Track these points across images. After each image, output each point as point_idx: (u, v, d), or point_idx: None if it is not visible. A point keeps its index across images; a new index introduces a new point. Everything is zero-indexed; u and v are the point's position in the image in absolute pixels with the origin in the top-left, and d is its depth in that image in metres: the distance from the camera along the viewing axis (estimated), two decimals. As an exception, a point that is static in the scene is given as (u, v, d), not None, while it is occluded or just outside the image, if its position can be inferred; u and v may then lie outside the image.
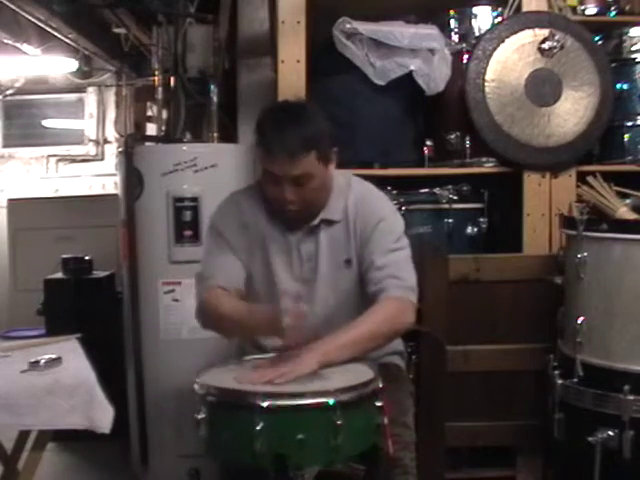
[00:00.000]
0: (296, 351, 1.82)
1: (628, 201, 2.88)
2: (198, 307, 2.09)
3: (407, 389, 2.20)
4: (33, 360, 2.20)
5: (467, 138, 3.04)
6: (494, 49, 2.97)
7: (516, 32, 2.97)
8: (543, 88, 2.96)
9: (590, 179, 2.95)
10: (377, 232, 2.05)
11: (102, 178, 6.49)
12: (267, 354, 2.00)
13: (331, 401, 1.63)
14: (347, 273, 2.09)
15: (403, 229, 2.12)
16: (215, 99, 3.62)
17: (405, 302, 1.98)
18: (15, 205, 5.31)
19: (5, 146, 6.78)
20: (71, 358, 2.34)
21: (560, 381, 2.50)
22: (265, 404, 1.60)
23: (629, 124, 3.02)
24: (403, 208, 2.98)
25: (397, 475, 1.92)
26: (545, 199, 3.04)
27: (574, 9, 3.11)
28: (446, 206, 3.04)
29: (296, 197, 1.98)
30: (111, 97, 6.72)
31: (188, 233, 3.10)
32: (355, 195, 2.12)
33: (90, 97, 6.76)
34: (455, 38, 3.17)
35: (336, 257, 2.09)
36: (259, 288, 2.12)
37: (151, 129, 5.78)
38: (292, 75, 2.97)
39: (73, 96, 6.80)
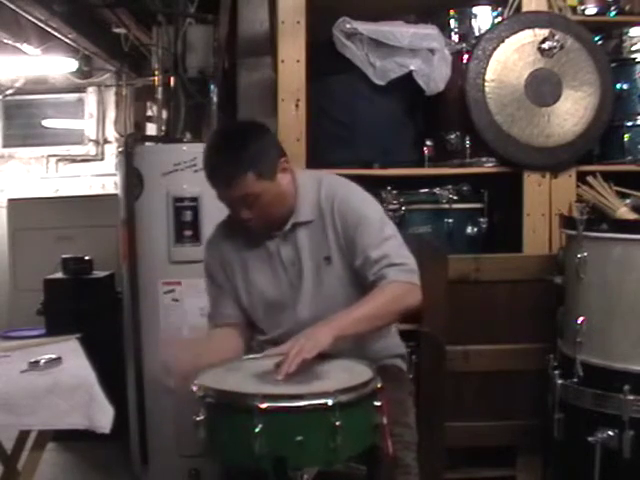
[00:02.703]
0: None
1: (628, 201, 2.88)
2: None
3: (407, 389, 2.20)
4: (33, 360, 2.20)
5: (467, 138, 3.04)
6: (494, 49, 2.97)
7: (516, 32, 2.97)
8: (543, 88, 2.96)
9: (590, 179, 2.95)
10: (361, 226, 2.05)
11: (102, 178, 6.50)
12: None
13: (330, 402, 1.62)
14: (329, 270, 2.09)
15: (384, 214, 2.14)
16: (215, 99, 3.62)
17: (408, 284, 1.99)
18: (15, 205, 5.31)
19: (5, 146, 6.79)
20: (71, 358, 2.34)
21: (560, 381, 2.50)
22: (264, 406, 1.60)
23: (629, 124, 3.02)
24: (403, 208, 2.98)
25: (399, 475, 1.92)
26: (545, 199, 3.04)
27: (574, 9, 3.11)
28: (446, 206, 3.04)
29: (252, 214, 2.02)
30: (111, 97, 6.73)
31: (188, 233, 3.11)
32: (326, 190, 2.12)
33: (90, 97, 6.77)
34: (455, 38, 3.17)
35: (316, 256, 2.10)
36: (252, 308, 2.16)
37: (151, 129, 5.79)
38: (292, 75, 2.97)
39: (73, 96, 6.81)
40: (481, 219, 3.07)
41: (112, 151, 6.59)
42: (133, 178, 3.17)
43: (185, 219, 3.11)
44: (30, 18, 4.09)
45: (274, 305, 2.12)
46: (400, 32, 2.97)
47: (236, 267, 2.16)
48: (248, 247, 2.15)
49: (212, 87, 3.65)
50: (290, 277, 2.11)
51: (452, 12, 3.19)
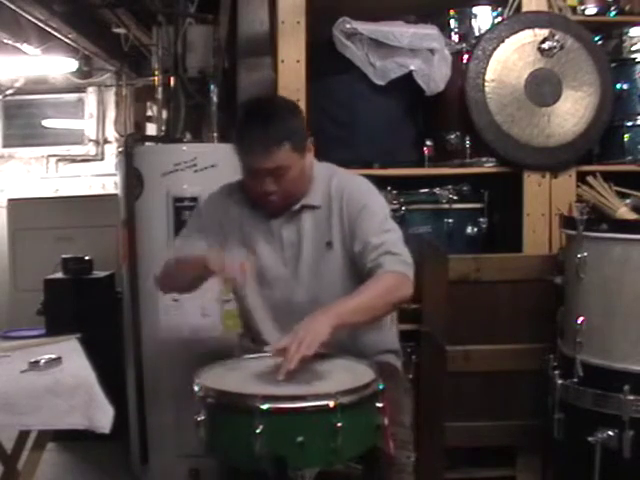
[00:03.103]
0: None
1: (628, 201, 2.88)
2: (159, 272, 2.23)
3: (403, 387, 2.20)
4: (33, 360, 2.20)
5: (467, 138, 3.04)
6: (494, 49, 2.97)
7: (516, 32, 2.97)
8: (543, 88, 2.96)
9: (590, 179, 2.95)
10: (365, 215, 2.09)
11: (102, 178, 6.50)
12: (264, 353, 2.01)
13: (332, 404, 1.62)
14: (329, 255, 2.12)
15: (389, 212, 2.19)
16: (215, 99, 3.62)
17: (403, 275, 2.01)
18: (15, 205, 5.30)
19: (5, 146, 6.79)
20: (71, 358, 2.34)
21: (560, 381, 2.50)
22: (265, 407, 1.60)
23: (629, 124, 3.02)
24: (403, 208, 2.98)
25: (393, 474, 1.92)
26: (545, 199, 3.04)
27: (574, 9, 3.11)
28: (446, 206, 3.04)
29: (276, 188, 2.04)
30: (111, 97, 6.73)
31: (188, 233, 3.10)
32: (338, 180, 2.17)
33: (90, 97, 6.77)
34: (455, 38, 3.17)
35: (318, 241, 2.13)
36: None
37: (151, 129, 5.79)
38: (292, 75, 2.97)
39: (73, 96, 6.81)
40: (481, 219, 3.07)
41: (112, 151, 6.58)
42: (133, 178, 3.17)
43: (185, 219, 3.10)
44: (30, 18, 4.09)
45: (265, 278, 2.12)
46: (400, 32, 2.98)
47: (234, 225, 2.18)
48: (250, 217, 2.18)
49: (212, 87, 3.64)
50: (286, 257, 2.13)
51: (452, 12, 3.19)
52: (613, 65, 3.03)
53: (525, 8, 3.05)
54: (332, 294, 2.05)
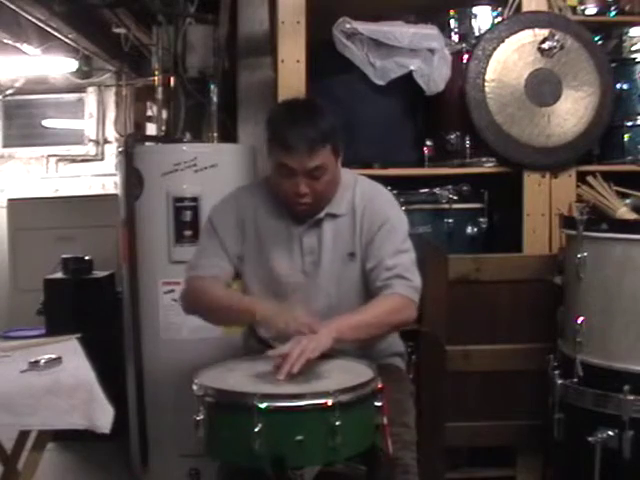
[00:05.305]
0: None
1: (628, 201, 2.88)
2: (182, 292, 2.18)
3: (407, 390, 2.21)
4: (33, 360, 2.20)
5: (467, 138, 3.04)
6: (494, 49, 2.97)
7: (516, 32, 2.97)
8: (543, 88, 2.96)
9: (590, 179, 2.95)
10: (385, 231, 2.09)
11: (102, 178, 6.49)
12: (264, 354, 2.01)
13: (330, 402, 1.63)
14: (351, 266, 2.12)
15: (408, 229, 2.17)
16: (215, 99, 3.62)
17: (408, 300, 2.02)
18: (15, 205, 5.30)
19: (5, 146, 6.78)
20: (71, 358, 2.34)
21: (560, 381, 2.50)
22: (263, 405, 1.60)
23: (629, 124, 3.02)
24: (403, 208, 2.97)
25: (398, 474, 1.93)
26: (545, 199, 3.04)
27: (574, 9, 3.11)
28: (446, 206, 3.04)
29: (309, 190, 2.02)
30: (111, 97, 6.72)
31: (188, 233, 3.11)
32: (363, 191, 2.16)
33: (90, 97, 6.76)
34: (455, 38, 3.17)
35: (340, 250, 2.12)
36: (256, 280, 2.15)
37: (151, 129, 5.78)
38: (292, 75, 2.97)
39: (73, 96, 6.80)
40: (481, 219, 3.07)
41: (112, 151, 6.57)
42: (133, 178, 3.17)
43: (185, 219, 3.11)
44: (30, 18, 4.09)
45: (281, 284, 2.12)
46: (400, 32, 2.97)
47: (250, 231, 2.15)
48: (267, 222, 2.14)
49: (212, 87, 3.65)
50: (305, 264, 2.11)
51: (452, 12, 3.18)
52: (613, 65, 3.03)
53: (525, 8, 3.05)
54: (350, 303, 2.06)
